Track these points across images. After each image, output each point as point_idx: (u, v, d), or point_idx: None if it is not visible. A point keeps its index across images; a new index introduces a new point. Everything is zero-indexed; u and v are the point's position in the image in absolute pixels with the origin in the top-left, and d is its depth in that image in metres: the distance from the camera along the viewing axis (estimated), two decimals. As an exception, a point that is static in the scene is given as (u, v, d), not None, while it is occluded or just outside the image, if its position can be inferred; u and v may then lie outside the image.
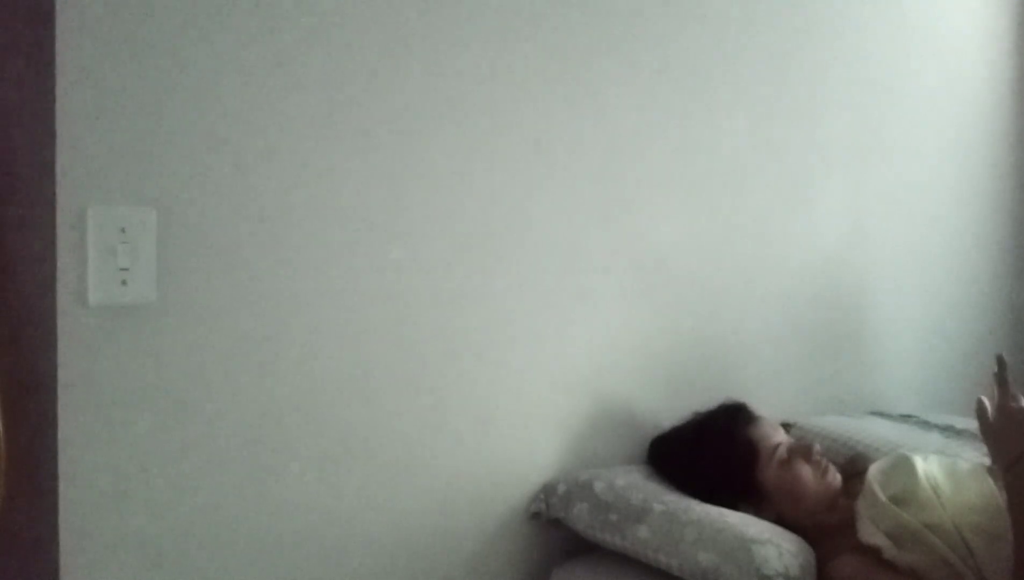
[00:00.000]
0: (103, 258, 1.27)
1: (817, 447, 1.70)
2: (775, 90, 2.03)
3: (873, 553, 1.48)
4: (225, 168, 1.36)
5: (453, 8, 1.56)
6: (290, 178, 1.42)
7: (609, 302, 1.78)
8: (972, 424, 1.56)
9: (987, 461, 1.56)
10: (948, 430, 1.95)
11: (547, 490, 1.67)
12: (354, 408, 1.50)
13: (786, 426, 1.83)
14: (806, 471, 1.63)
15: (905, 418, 2.09)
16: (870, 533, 1.49)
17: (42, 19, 1.24)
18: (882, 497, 1.52)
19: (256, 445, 1.41)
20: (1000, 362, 1.49)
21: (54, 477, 1.26)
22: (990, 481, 1.50)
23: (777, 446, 1.66)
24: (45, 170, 1.25)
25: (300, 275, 1.43)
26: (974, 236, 2.53)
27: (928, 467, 1.58)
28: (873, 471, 1.60)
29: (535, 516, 1.68)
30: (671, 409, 1.82)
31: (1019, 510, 1.39)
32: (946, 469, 1.59)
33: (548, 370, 1.71)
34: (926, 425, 2.01)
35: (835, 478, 1.64)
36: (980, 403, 1.47)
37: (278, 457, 1.43)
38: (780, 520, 1.58)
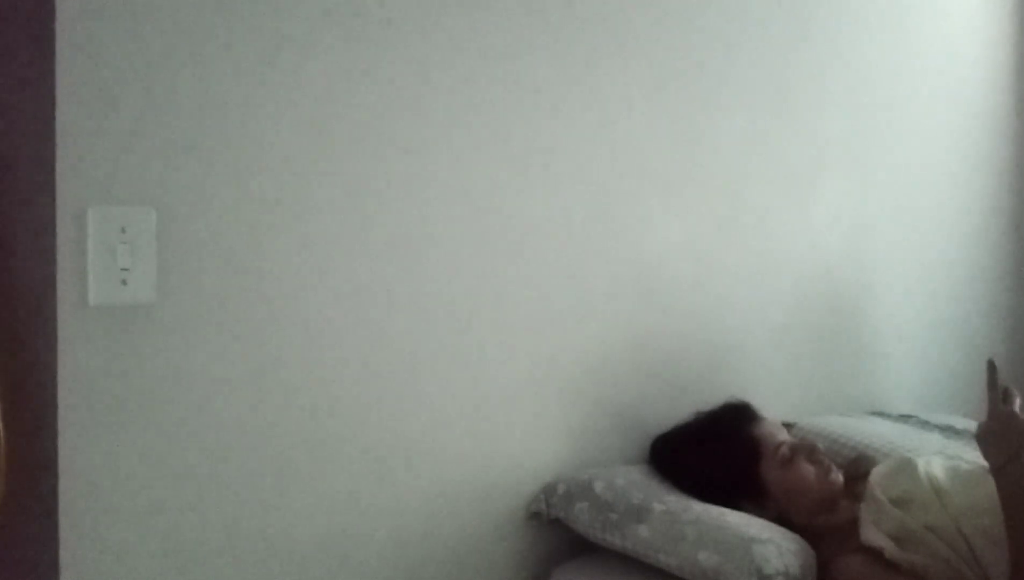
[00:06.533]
0: (103, 258, 1.27)
1: (819, 447, 1.70)
2: (775, 90, 2.03)
3: (875, 554, 1.48)
4: (225, 168, 1.36)
5: (453, 10, 1.56)
6: (290, 178, 1.42)
7: (609, 302, 1.78)
8: (972, 424, 1.57)
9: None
10: (948, 430, 1.95)
11: (547, 490, 1.67)
12: (354, 408, 1.50)
13: (787, 426, 1.83)
14: (808, 471, 1.63)
15: (905, 418, 2.09)
16: (872, 535, 1.49)
17: (42, 19, 1.24)
18: (884, 500, 1.53)
19: (256, 445, 1.41)
20: (990, 367, 1.51)
21: (54, 477, 1.26)
22: (991, 482, 1.50)
23: (780, 445, 1.66)
24: (45, 170, 1.25)
25: (300, 275, 1.43)
26: (974, 235, 2.53)
27: (930, 469, 1.58)
28: (875, 474, 1.61)
29: (535, 516, 1.68)
30: (671, 409, 1.82)
31: (1012, 511, 1.39)
32: (948, 471, 1.59)
33: (549, 370, 1.70)
34: (926, 425, 2.01)
35: (837, 478, 1.64)
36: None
37: (278, 457, 1.43)
38: (781, 520, 1.58)
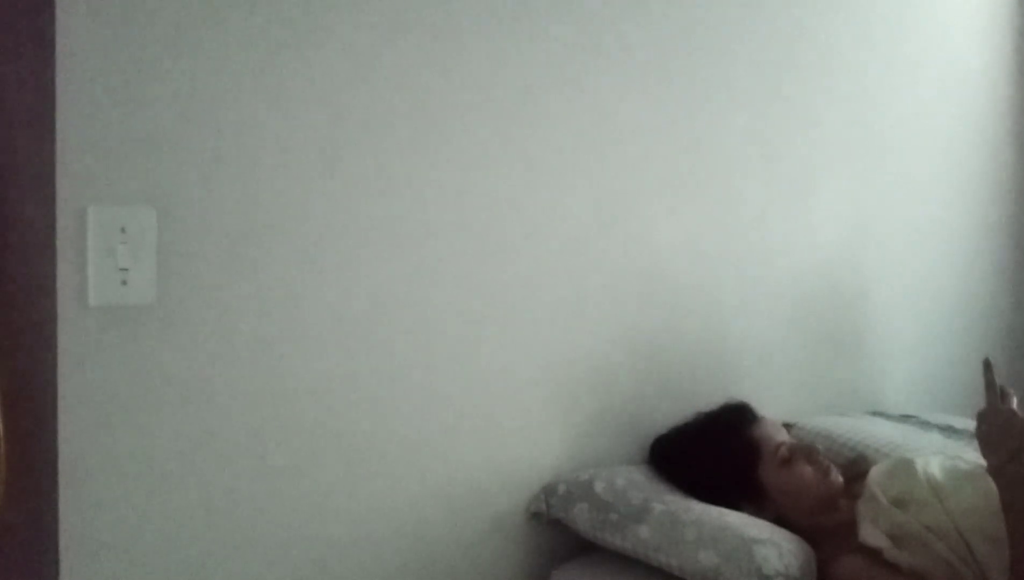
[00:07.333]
0: (103, 258, 1.27)
1: (818, 448, 1.70)
2: (774, 90, 2.03)
3: (874, 554, 1.48)
4: (225, 168, 1.36)
5: (454, 10, 1.56)
6: (291, 178, 1.42)
7: (609, 302, 1.78)
8: (972, 424, 1.57)
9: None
10: (948, 430, 1.95)
11: (547, 490, 1.67)
12: (355, 409, 1.50)
13: (786, 426, 1.83)
14: (808, 471, 1.63)
15: (905, 418, 2.09)
16: (871, 535, 1.49)
17: (42, 18, 1.24)
18: (883, 500, 1.53)
19: (255, 445, 1.41)
20: (986, 366, 1.51)
21: (54, 477, 1.26)
22: (990, 482, 1.50)
23: (779, 446, 1.66)
24: (45, 170, 1.25)
25: (300, 276, 1.43)
26: (974, 235, 2.53)
27: (929, 469, 1.58)
28: (874, 474, 1.61)
29: (535, 516, 1.68)
30: (671, 409, 1.82)
31: (1012, 511, 1.39)
32: (947, 471, 1.59)
33: (549, 370, 1.70)
34: (926, 425, 2.01)
35: (836, 479, 1.64)
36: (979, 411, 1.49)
37: (277, 457, 1.43)
38: (781, 520, 1.58)
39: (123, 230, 1.28)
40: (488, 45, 1.60)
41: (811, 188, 2.12)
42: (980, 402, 1.52)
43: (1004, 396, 1.50)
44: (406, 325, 1.54)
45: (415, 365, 1.56)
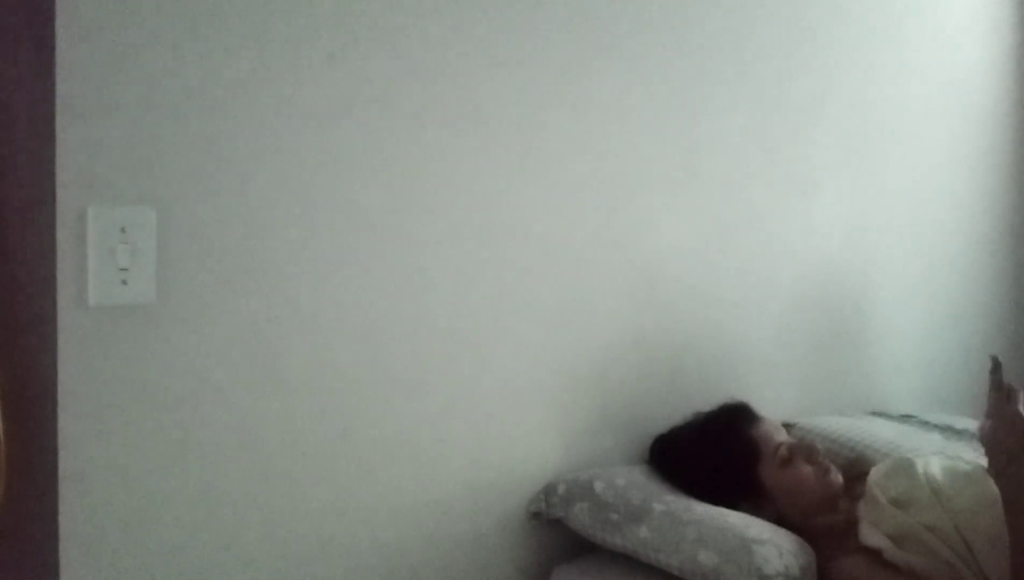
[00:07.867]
0: (103, 258, 1.27)
1: (818, 448, 1.70)
2: (775, 89, 2.03)
3: (874, 554, 1.48)
4: (225, 168, 1.36)
5: (455, 15, 1.56)
6: (290, 178, 1.42)
7: (609, 302, 1.78)
8: (972, 424, 1.57)
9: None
10: (948, 430, 1.95)
11: (547, 490, 1.67)
12: (355, 409, 1.50)
13: (786, 426, 1.83)
14: (808, 471, 1.63)
15: (905, 418, 2.09)
16: (871, 535, 1.49)
17: (42, 19, 1.24)
18: (883, 500, 1.53)
19: (256, 446, 1.41)
20: (994, 363, 1.49)
21: (54, 477, 1.26)
22: (990, 482, 1.50)
23: (779, 446, 1.66)
24: (45, 170, 1.25)
25: (300, 276, 1.43)
26: (974, 236, 2.53)
27: (929, 469, 1.58)
28: (874, 474, 1.61)
29: (535, 516, 1.68)
30: (671, 409, 1.81)
31: (1015, 512, 1.39)
32: (947, 471, 1.59)
33: (549, 371, 1.70)
34: (926, 425, 2.01)
35: (836, 479, 1.64)
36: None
37: (278, 458, 1.43)
38: (781, 520, 1.58)
39: (123, 230, 1.28)
40: (488, 46, 1.60)
41: (812, 188, 2.12)
42: (982, 401, 1.51)
43: (1012, 396, 1.48)
44: (406, 325, 1.54)
45: (416, 366, 1.55)
